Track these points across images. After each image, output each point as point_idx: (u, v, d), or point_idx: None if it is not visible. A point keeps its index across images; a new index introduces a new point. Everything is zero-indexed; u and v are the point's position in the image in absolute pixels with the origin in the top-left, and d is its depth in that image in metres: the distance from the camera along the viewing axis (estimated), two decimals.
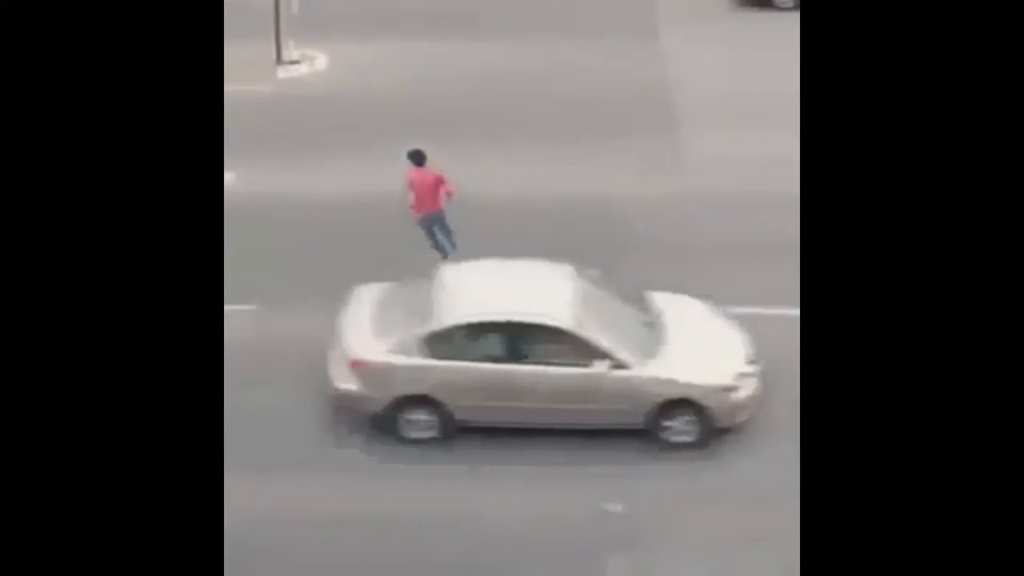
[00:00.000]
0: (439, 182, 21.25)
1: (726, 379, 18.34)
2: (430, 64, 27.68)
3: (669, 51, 27.82)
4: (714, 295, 19.98)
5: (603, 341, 18.12)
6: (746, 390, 18.46)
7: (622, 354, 18.13)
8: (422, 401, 18.21)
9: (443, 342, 18.12)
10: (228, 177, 23.21)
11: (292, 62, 27.90)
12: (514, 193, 23.20)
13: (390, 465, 18.09)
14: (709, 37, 28.26)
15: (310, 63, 28.00)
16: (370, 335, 18.47)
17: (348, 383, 18.31)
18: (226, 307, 19.15)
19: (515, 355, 18.15)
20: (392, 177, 22.81)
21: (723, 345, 18.91)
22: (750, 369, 18.64)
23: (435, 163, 21.52)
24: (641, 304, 19.28)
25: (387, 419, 18.33)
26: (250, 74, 27.38)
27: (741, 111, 25.51)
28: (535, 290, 18.63)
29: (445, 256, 21.31)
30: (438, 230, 21.55)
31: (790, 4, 29.02)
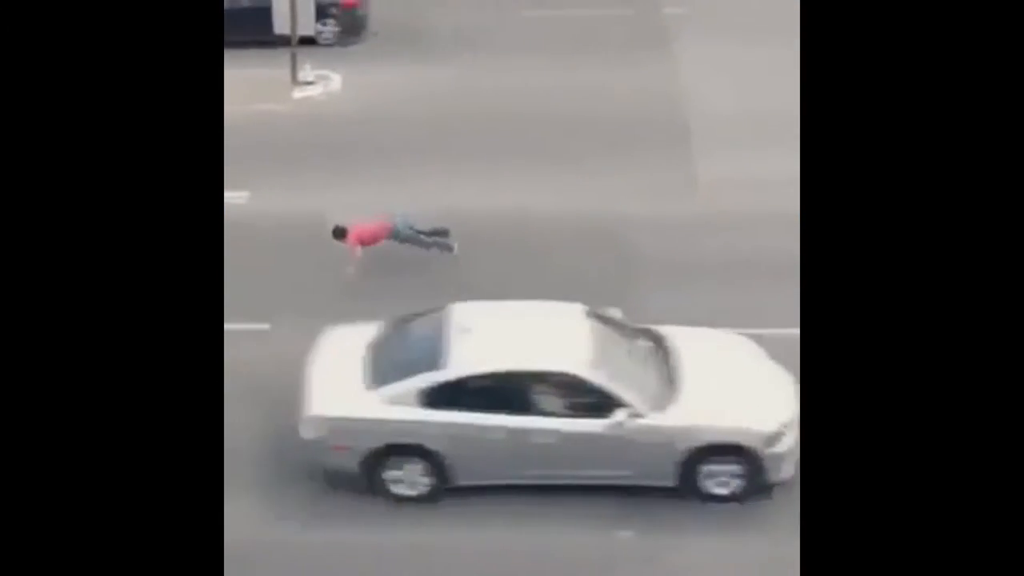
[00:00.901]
0: (371, 229, 21.60)
1: (768, 426, 16.77)
2: (443, 85, 27.91)
3: (677, 70, 28.01)
4: (724, 315, 19.67)
5: (620, 389, 16.79)
6: (790, 440, 16.71)
7: (639, 402, 16.77)
8: (415, 453, 16.94)
9: (448, 393, 16.87)
10: (242, 196, 23.41)
11: (307, 83, 28.20)
12: (523, 214, 23.25)
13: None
14: (717, 56, 28.45)
15: (325, 84, 28.29)
16: (359, 384, 17.23)
17: (325, 435, 16.99)
18: (239, 326, 19.30)
19: (527, 406, 16.89)
20: (407, 197, 23.00)
21: (762, 389, 17.32)
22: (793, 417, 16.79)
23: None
24: (661, 343, 17.90)
25: (370, 475, 17.15)
26: (266, 94, 27.69)
27: (750, 130, 25.63)
28: (547, 336, 17.36)
29: (451, 250, 21.65)
30: (416, 234, 21.73)
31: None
